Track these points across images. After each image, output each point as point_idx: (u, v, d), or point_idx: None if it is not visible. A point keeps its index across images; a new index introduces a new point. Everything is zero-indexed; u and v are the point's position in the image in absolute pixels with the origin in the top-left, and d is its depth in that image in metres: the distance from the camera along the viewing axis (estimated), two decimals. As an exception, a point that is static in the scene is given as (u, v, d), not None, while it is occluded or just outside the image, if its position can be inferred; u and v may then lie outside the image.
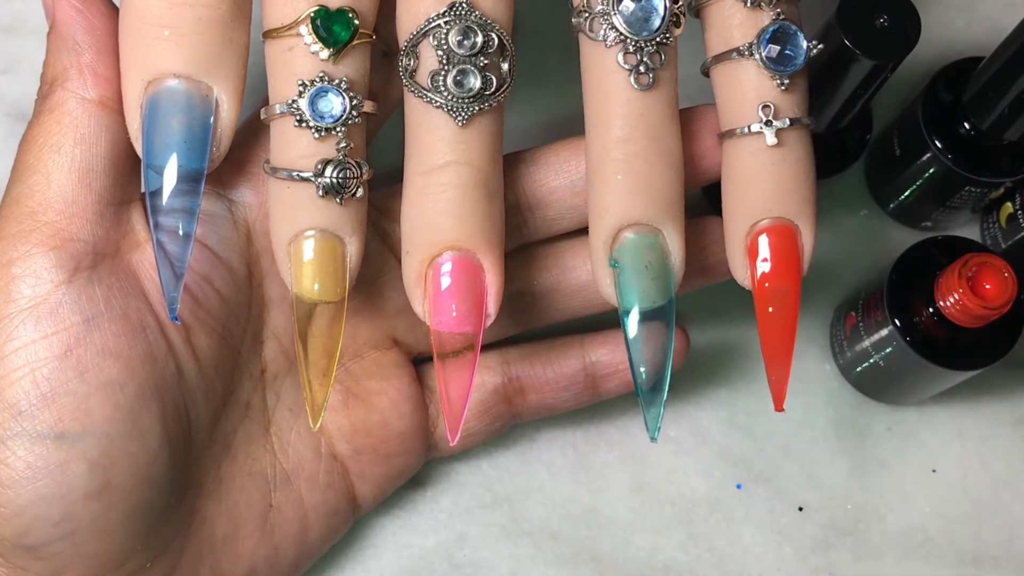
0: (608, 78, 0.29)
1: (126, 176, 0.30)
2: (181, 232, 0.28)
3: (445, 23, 0.28)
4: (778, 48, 0.29)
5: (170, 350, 0.31)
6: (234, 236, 0.32)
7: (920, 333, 0.37)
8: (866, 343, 0.40)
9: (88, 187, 0.29)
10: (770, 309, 0.31)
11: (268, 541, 0.34)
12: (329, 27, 0.28)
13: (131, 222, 0.30)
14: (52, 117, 0.29)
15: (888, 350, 0.39)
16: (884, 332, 0.38)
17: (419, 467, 0.39)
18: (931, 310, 0.37)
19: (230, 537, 0.34)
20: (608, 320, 0.37)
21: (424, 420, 0.37)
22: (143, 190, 0.29)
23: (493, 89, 0.29)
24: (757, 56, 0.29)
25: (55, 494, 0.28)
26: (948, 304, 0.36)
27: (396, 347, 0.37)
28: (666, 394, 0.30)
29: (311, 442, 0.35)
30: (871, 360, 0.40)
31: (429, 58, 0.28)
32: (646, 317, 0.30)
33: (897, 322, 0.38)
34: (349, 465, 0.36)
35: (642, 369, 0.30)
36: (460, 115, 0.29)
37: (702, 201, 0.43)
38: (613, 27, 0.29)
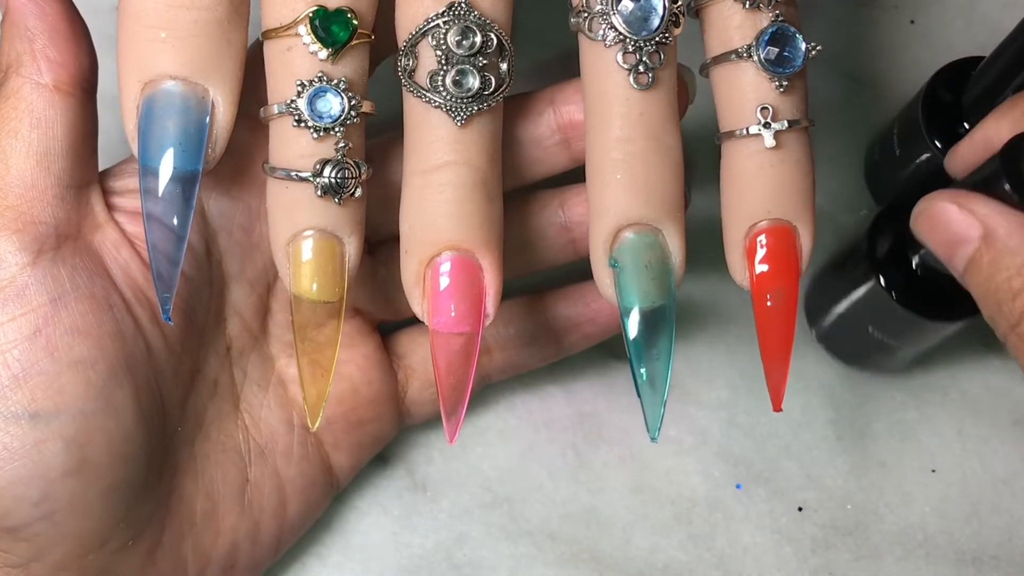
0: (607, 78, 0.29)
1: (84, 159, 0.30)
2: (175, 233, 0.28)
3: (444, 23, 0.28)
4: (777, 50, 0.29)
5: (138, 327, 0.31)
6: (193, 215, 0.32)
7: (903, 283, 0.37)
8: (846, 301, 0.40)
9: (47, 170, 0.29)
10: (768, 308, 0.31)
11: (248, 516, 0.35)
12: (328, 27, 0.28)
13: (91, 204, 0.31)
14: (8, 103, 0.29)
15: (868, 303, 0.38)
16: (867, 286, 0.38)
17: (393, 435, 0.39)
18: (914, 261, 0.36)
19: (209, 514, 0.34)
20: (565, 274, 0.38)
21: (393, 385, 0.38)
22: (140, 187, 0.29)
23: (492, 89, 0.29)
24: (756, 58, 0.29)
25: (32, 474, 0.28)
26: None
27: (359, 315, 0.37)
28: (667, 393, 0.30)
29: (282, 415, 0.36)
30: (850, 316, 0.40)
31: (428, 58, 0.28)
32: (646, 317, 0.30)
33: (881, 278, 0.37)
34: (322, 435, 0.37)
35: (642, 369, 0.30)
36: (459, 115, 0.29)
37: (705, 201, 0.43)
38: (612, 27, 0.29)
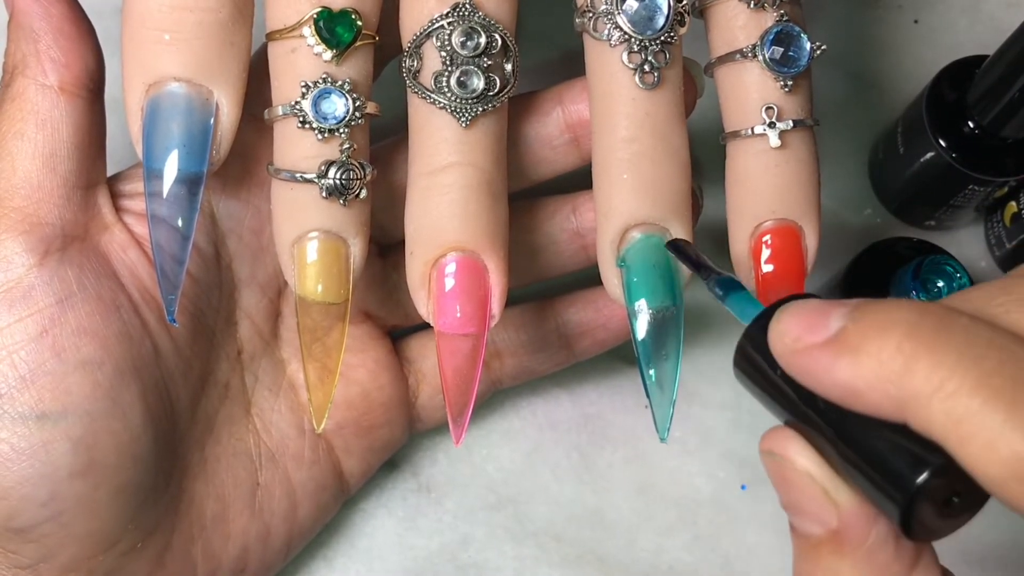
0: (613, 78, 0.29)
1: (91, 160, 0.30)
2: (180, 235, 0.28)
3: (448, 24, 0.28)
4: (781, 50, 0.29)
5: (145, 329, 0.31)
6: (198, 216, 0.32)
7: None
8: None
9: (53, 171, 0.29)
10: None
11: (258, 520, 0.35)
12: (332, 28, 0.28)
13: (98, 205, 0.31)
14: (14, 105, 0.29)
15: None
16: None
17: (404, 440, 0.39)
18: None
19: (220, 516, 0.34)
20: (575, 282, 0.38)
21: (404, 390, 0.38)
22: (145, 189, 0.29)
23: (496, 90, 0.29)
24: (760, 57, 0.29)
25: (40, 474, 0.28)
26: None
27: (369, 320, 0.37)
28: (676, 394, 0.30)
29: (293, 420, 0.36)
30: None
31: (432, 59, 0.28)
32: (654, 317, 0.30)
33: None
34: (333, 440, 0.36)
35: (651, 370, 0.30)
36: (464, 116, 0.29)
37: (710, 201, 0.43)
38: (617, 26, 0.29)
